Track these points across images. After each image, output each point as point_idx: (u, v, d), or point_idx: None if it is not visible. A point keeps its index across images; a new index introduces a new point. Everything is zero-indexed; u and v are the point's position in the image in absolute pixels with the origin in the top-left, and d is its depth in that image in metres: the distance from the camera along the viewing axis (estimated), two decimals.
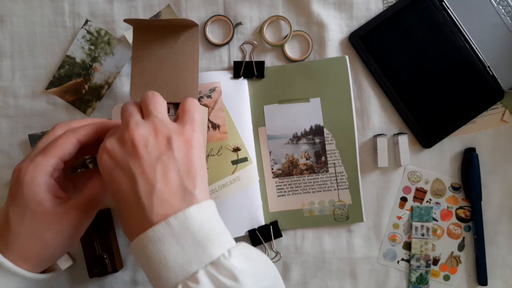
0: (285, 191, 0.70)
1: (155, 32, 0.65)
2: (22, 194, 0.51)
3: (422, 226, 0.70)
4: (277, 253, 0.70)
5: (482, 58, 0.68)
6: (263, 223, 0.69)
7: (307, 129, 0.69)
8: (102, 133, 0.54)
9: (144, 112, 0.52)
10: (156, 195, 0.46)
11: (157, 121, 0.49)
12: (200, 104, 0.69)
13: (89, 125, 0.55)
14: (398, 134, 0.70)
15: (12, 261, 0.49)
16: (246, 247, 0.49)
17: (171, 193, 0.47)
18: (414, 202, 0.71)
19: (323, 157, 0.69)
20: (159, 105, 0.52)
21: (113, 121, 0.59)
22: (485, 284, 0.69)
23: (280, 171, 0.70)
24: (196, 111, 0.53)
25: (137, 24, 0.65)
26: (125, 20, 0.63)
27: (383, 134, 0.70)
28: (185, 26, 0.65)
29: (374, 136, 0.70)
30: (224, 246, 0.46)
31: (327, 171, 0.69)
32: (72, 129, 0.55)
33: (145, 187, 0.46)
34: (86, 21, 0.71)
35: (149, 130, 0.48)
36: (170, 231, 0.45)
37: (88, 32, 0.71)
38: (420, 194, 0.71)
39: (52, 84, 0.71)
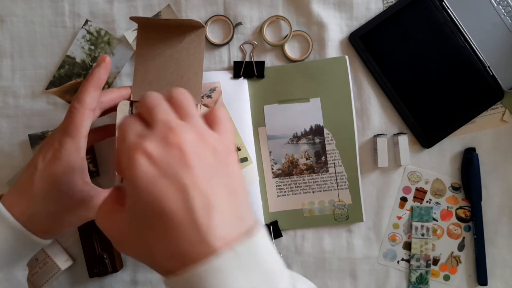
0: (285, 191, 0.70)
1: (161, 32, 0.65)
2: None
3: (422, 226, 0.70)
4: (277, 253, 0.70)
5: (482, 58, 0.68)
6: (263, 223, 0.69)
7: (307, 129, 0.69)
8: (101, 86, 0.59)
9: (180, 112, 0.41)
10: (215, 213, 0.37)
11: (201, 127, 0.41)
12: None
13: (89, 87, 0.57)
14: (398, 134, 0.70)
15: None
16: (305, 280, 0.45)
17: (230, 213, 0.38)
18: (414, 202, 0.71)
19: (323, 157, 0.69)
20: (194, 107, 0.43)
21: (98, 67, 0.59)
22: (485, 284, 0.69)
23: (280, 171, 0.70)
24: (230, 123, 0.44)
25: (143, 23, 0.65)
26: (131, 18, 0.63)
27: (383, 134, 0.70)
28: (191, 26, 0.65)
29: (374, 136, 0.70)
30: (289, 280, 0.40)
31: (327, 171, 0.70)
32: (79, 99, 0.56)
33: (201, 202, 0.37)
34: (86, 21, 0.71)
35: (195, 136, 0.39)
36: (237, 262, 0.36)
37: (88, 32, 0.71)
38: (420, 194, 0.71)
39: (52, 84, 0.71)
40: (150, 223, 0.38)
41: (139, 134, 0.39)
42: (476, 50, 0.68)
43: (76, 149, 0.55)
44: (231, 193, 0.39)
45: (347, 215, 0.69)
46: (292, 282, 0.40)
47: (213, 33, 0.71)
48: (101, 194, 0.57)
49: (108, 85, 0.70)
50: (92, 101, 0.57)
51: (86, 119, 0.56)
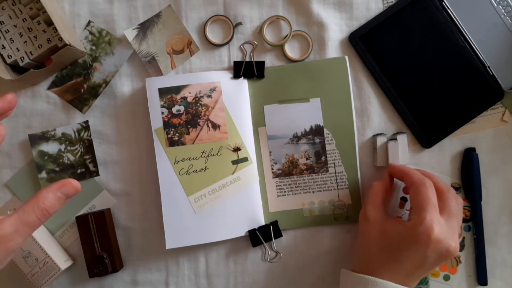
0: (285, 191, 0.70)
1: None
2: None
3: None
4: (277, 253, 0.70)
5: (482, 58, 0.68)
6: (263, 223, 0.69)
7: (307, 129, 0.69)
8: None
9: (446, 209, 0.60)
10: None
11: None
12: (201, 103, 0.69)
13: None
14: (397, 133, 0.70)
15: None
16: None
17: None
18: None
19: (323, 157, 0.69)
20: None
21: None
22: (485, 284, 0.69)
23: (280, 171, 0.70)
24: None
25: None
26: None
27: (383, 134, 0.70)
28: None
29: (374, 135, 0.70)
30: None
31: (327, 171, 0.70)
32: None
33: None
34: (89, 22, 0.71)
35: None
36: None
37: (90, 33, 0.71)
38: None
39: (54, 84, 0.71)
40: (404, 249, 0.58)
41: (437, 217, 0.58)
42: (476, 50, 0.68)
43: None
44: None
45: (347, 215, 0.69)
46: None
47: (213, 33, 0.71)
48: (4, 224, 0.45)
49: (106, 84, 0.70)
50: None
51: None
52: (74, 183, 0.49)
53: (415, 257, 0.58)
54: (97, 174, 0.70)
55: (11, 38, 0.67)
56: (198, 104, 0.69)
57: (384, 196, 0.64)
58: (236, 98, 0.69)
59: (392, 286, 0.57)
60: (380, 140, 0.69)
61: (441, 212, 0.59)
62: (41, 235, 0.67)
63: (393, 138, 0.69)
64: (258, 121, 0.70)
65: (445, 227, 0.58)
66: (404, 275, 0.58)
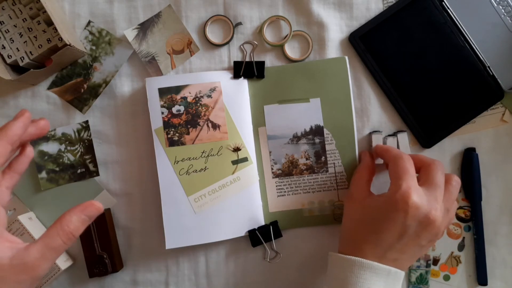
0: (285, 191, 0.70)
1: None
2: None
3: None
4: (277, 253, 0.70)
5: (482, 58, 0.68)
6: (263, 223, 0.69)
7: (307, 129, 0.69)
8: (15, 143, 0.51)
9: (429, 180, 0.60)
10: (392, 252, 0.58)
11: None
12: (200, 103, 0.69)
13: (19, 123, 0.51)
14: (398, 132, 0.70)
15: None
16: None
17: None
18: None
19: (323, 157, 0.69)
20: None
21: (14, 122, 0.52)
22: (485, 284, 0.69)
23: (280, 171, 0.70)
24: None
25: None
26: None
27: (379, 131, 0.70)
28: None
29: (370, 133, 0.70)
30: None
31: (327, 171, 0.70)
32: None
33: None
34: (89, 22, 0.71)
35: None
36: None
37: (91, 33, 0.71)
38: None
39: (54, 84, 0.71)
40: (375, 226, 0.59)
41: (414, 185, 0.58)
42: (476, 50, 0.68)
43: None
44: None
45: None
46: None
47: (213, 33, 0.71)
48: (30, 251, 0.46)
49: (106, 83, 0.70)
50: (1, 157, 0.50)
51: None
52: (97, 204, 0.49)
53: (394, 226, 0.57)
54: (97, 174, 0.70)
55: (11, 38, 0.67)
56: (198, 104, 0.69)
57: (367, 176, 0.65)
58: (236, 98, 0.69)
59: (377, 266, 0.57)
60: (376, 138, 0.69)
61: (422, 183, 0.59)
62: (41, 235, 0.67)
63: (391, 135, 0.69)
64: (258, 121, 0.70)
65: (424, 195, 0.57)
66: (385, 248, 0.58)
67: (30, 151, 0.56)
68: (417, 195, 0.57)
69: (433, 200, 0.57)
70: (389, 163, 0.62)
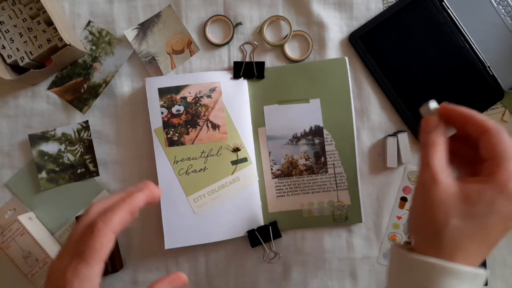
0: (285, 192, 0.70)
1: None
2: None
3: None
4: (276, 253, 0.70)
5: (482, 58, 0.68)
6: (262, 224, 0.69)
7: (307, 130, 0.69)
8: (134, 213, 0.51)
9: None
10: None
11: None
12: (200, 104, 0.69)
13: (122, 209, 0.49)
14: (398, 132, 0.70)
15: None
16: None
17: None
18: None
19: (323, 158, 0.69)
20: None
21: (140, 193, 0.53)
22: (485, 284, 0.69)
23: (279, 172, 0.70)
24: None
25: None
26: None
27: (393, 135, 0.69)
28: None
29: (385, 137, 0.70)
30: None
31: (327, 171, 0.69)
32: (106, 220, 0.48)
33: None
34: (89, 22, 0.71)
35: None
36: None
37: (91, 33, 0.71)
38: None
39: (54, 84, 0.71)
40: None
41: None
42: (476, 50, 0.68)
43: (92, 279, 0.47)
44: None
45: (346, 216, 0.69)
46: None
47: (213, 33, 0.71)
48: None
49: (106, 83, 0.70)
50: (121, 225, 0.49)
51: (108, 243, 0.48)
52: (183, 277, 0.52)
53: (503, 220, 0.46)
54: (97, 174, 0.70)
55: (11, 38, 0.67)
56: (198, 104, 0.69)
57: (446, 158, 0.49)
58: (236, 98, 0.69)
59: (468, 272, 0.45)
60: (391, 141, 0.69)
61: None
62: (41, 235, 0.68)
63: (391, 135, 0.69)
64: (258, 121, 0.70)
65: None
66: (487, 247, 0.47)
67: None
68: None
69: None
70: (484, 137, 0.48)
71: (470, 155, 0.51)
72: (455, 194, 0.47)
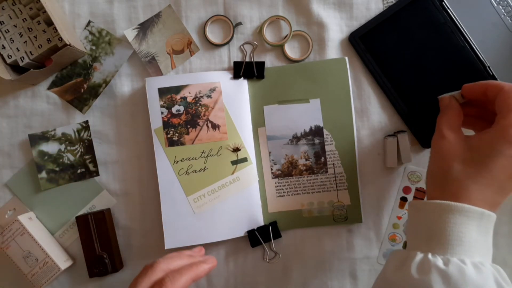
0: (285, 192, 0.70)
1: None
2: None
3: None
4: (276, 253, 0.70)
5: (482, 58, 0.68)
6: (262, 224, 0.69)
7: (307, 130, 0.69)
8: (196, 280, 0.57)
9: None
10: None
11: None
12: (200, 104, 0.69)
13: (188, 274, 0.55)
14: (398, 132, 0.70)
15: None
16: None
17: None
18: None
19: (323, 158, 0.69)
20: None
21: (205, 264, 0.59)
22: None
23: (279, 172, 0.70)
24: None
25: None
26: None
27: (393, 135, 0.69)
28: None
29: (385, 137, 0.70)
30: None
31: (327, 171, 0.69)
32: (174, 280, 0.54)
33: None
34: (89, 22, 0.71)
35: None
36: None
37: (90, 33, 0.71)
38: (420, 194, 0.70)
39: (54, 84, 0.71)
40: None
41: None
42: (476, 50, 0.68)
43: None
44: None
45: (346, 216, 0.69)
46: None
47: (213, 33, 0.71)
48: None
49: (106, 83, 0.70)
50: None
51: None
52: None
53: (508, 162, 0.51)
54: (97, 174, 0.70)
55: (11, 38, 0.67)
56: (198, 104, 0.69)
57: (459, 121, 0.57)
58: (236, 98, 0.69)
59: (468, 209, 0.50)
60: (390, 141, 0.69)
61: None
62: (41, 235, 0.68)
63: (391, 135, 0.69)
64: (258, 121, 0.70)
65: None
66: (496, 189, 0.52)
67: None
68: None
69: None
70: (500, 94, 0.54)
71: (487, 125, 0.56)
72: (460, 144, 0.54)
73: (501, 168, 0.51)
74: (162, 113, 0.68)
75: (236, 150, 0.69)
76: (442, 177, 0.55)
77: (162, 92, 0.69)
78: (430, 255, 0.50)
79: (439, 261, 0.49)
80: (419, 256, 0.51)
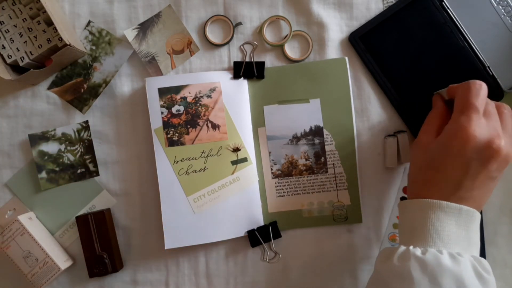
0: (285, 192, 0.70)
1: None
2: None
3: None
4: (276, 253, 0.70)
5: (482, 58, 0.68)
6: (262, 224, 0.69)
7: (307, 130, 0.69)
8: None
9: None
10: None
11: None
12: (200, 104, 0.69)
13: None
14: (398, 132, 0.70)
15: None
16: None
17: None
18: None
19: (323, 158, 0.69)
20: None
21: None
22: None
23: (279, 172, 0.70)
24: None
25: None
26: None
27: (393, 135, 0.69)
28: None
29: (385, 137, 0.70)
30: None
31: (327, 171, 0.69)
32: None
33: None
34: (89, 22, 0.71)
35: None
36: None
37: (90, 33, 0.71)
38: None
39: (54, 84, 0.71)
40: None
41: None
42: (476, 50, 0.68)
43: None
44: None
45: (346, 216, 0.69)
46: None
47: (213, 33, 0.71)
48: None
49: (106, 83, 0.70)
50: None
51: None
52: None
53: (456, 161, 0.55)
54: (97, 174, 0.70)
55: (11, 38, 0.67)
56: (198, 104, 0.69)
57: (438, 122, 0.61)
58: (236, 98, 0.69)
59: (446, 205, 0.55)
60: (390, 141, 0.69)
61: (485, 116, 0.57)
62: (41, 235, 0.68)
63: (391, 135, 0.69)
64: (258, 121, 0.70)
65: (485, 125, 0.55)
66: (453, 187, 0.56)
67: None
68: (477, 126, 0.55)
69: (494, 131, 0.55)
70: (456, 97, 0.59)
71: None
72: (425, 149, 0.59)
73: (450, 167, 0.56)
74: (162, 113, 0.68)
75: (236, 150, 0.69)
76: (411, 180, 0.61)
77: (162, 92, 0.69)
78: (411, 247, 0.54)
79: (417, 251, 0.53)
80: (402, 248, 0.55)
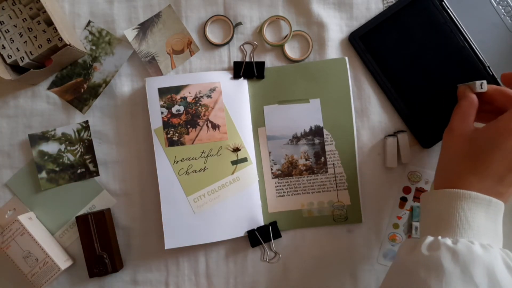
0: (285, 192, 0.70)
1: None
2: None
3: None
4: (276, 253, 0.70)
5: (482, 58, 0.68)
6: (262, 224, 0.69)
7: (307, 130, 0.69)
8: None
9: None
10: None
11: None
12: (200, 104, 0.69)
13: None
14: (398, 132, 0.70)
15: None
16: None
17: None
18: (414, 202, 0.70)
19: (323, 158, 0.69)
20: None
21: None
22: None
23: (279, 172, 0.70)
24: None
25: None
26: None
27: (393, 135, 0.69)
28: None
29: (385, 137, 0.70)
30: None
31: (327, 171, 0.69)
32: None
33: None
34: (89, 22, 0.71)
35: None
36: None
37: (90, 33, 0.71)
38: (420, 194, 0.70)
39: (54, 84, 0.71)
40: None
41: None
42: (476, 50, 0.68)
43: None
44: None
45: (346, 216, 0.69)
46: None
47: (213, 33, 0.71)
48: None
49: (106, 83, 0.70)
50: None
51: None
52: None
53: (505, 155, 0.54)
54: (97, 174, 0.70)
55: (11, 38, 0.67)
56: (198, 104, 0.69)
57: (472, 111, 0.60)
58: (236, 98, 0.69)
59: (476, 196, 0.54)
60: (390, 141, 0.69)
61: None
62: (41, 235, 0.68)
63: (391, 135, 0.69)
64: (258, 121, 0.70)
65: None
66: (495, 180, 0.55)
67: None
68: None
69: None
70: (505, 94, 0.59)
71: None
72: (464, 137, 0.58)
73: (497, 161, 0.54)
74: (162, 113, 0.68)
75: (236, 150, 0.69)
76: (445, 168, 0.59)
77: (162, 92, 0.69)
78: (440, 237, 0.53)
79: (448, 241, 0.52)
80: (429, 238, 0.54)
